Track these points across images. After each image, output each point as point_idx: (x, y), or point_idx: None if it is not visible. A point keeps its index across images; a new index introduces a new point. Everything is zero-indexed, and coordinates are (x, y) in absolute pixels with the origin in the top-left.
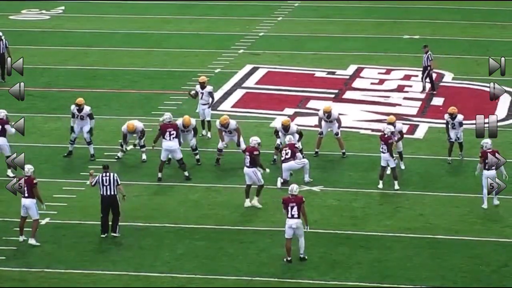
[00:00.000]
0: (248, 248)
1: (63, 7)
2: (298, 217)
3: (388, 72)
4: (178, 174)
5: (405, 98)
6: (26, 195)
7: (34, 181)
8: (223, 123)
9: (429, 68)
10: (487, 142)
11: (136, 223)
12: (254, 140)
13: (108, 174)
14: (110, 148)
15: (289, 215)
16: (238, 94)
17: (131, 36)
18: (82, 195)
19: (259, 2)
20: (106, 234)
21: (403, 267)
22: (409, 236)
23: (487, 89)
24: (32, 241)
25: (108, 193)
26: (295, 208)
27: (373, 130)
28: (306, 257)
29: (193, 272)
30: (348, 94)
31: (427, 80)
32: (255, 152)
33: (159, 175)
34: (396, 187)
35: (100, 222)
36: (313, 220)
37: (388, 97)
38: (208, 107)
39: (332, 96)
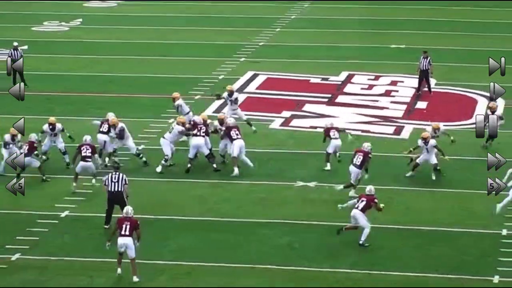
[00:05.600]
0: (250, 239)
1: (80, 19)
2: (362, 211)
3: (376, 78)
4: (183, 171)
5: (392, 102)
6: (127, 233)
7: (138, 222)
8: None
9: (429, 71)
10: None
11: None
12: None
13: (117, 173)
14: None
15: (356, 206)
16: (240, 98)
17: (142, 46)
18: (98, 189)
19: (259, 15)
20: (109, 226)
21: (392, 256)
22: (397, 227)
23: (469, 94)
24: (135, 278)
25: (115, 189)
26: (364, 203)
27: (363, 131)
28: (366, 245)
29: (198, 260)
30: (341, 98)
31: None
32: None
33: (188, 165)
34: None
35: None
36: (307, 213)
37: (377, 101)
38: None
39: (326, 100)
